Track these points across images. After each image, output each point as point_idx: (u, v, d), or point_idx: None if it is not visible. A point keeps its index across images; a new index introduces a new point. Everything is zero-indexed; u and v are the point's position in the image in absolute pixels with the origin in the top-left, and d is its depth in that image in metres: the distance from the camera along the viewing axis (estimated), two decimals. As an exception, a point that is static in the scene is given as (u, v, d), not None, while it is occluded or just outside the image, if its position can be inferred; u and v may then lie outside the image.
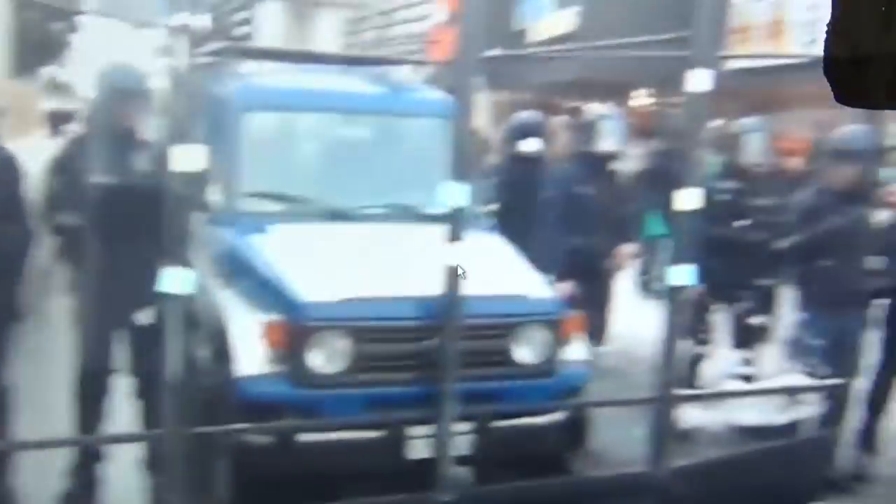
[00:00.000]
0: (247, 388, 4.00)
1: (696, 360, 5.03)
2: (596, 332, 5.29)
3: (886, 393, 5.30)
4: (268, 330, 4.03)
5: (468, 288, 3.67)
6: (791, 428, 4.70)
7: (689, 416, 4.39)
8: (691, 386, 4.60)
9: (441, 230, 3.64)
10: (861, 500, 5.07)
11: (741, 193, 5.32)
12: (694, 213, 4.14)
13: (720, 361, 4.84)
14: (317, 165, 5.37)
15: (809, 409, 4.65)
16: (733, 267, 5.10)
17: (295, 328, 4.01)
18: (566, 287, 5.32)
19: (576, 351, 4.47)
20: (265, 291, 4.23)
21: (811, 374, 4.70)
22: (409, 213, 4.96)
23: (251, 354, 4.03)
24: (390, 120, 5.47)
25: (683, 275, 4.19)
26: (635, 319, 8.23)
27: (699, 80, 4.04)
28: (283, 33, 26.08)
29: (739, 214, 5.27)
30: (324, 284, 4.11)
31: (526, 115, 6.49)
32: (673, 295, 4.18)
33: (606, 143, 5.64)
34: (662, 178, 9.74)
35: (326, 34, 26.82)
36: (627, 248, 5.91)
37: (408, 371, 4.07)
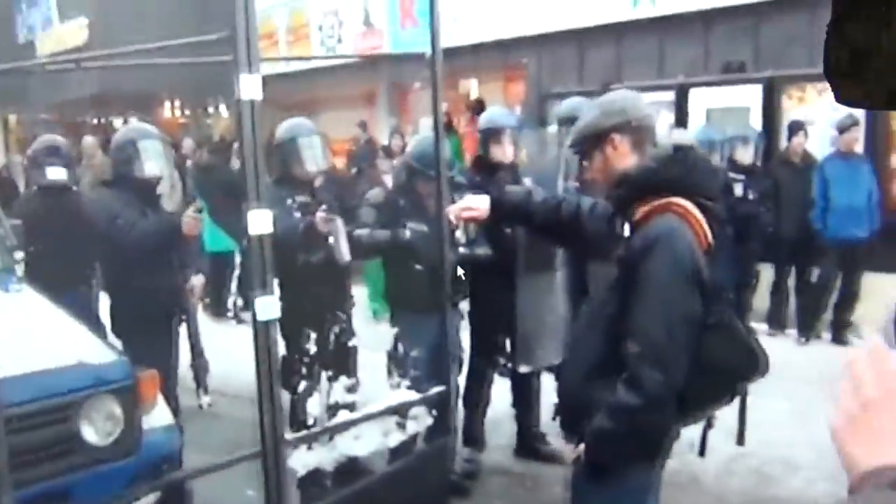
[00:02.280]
0: None
1: (303, 395, 4.56)
2: (170, 388, 4.51)
3: (481, 388, 5.28)
4: None
5: (4, 368, 2.85)
6: (406, 447, 4.43)
7: (304, 459, 3.89)
8: (302, 425, 4.10)
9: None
10: (482, 495, 5.01)
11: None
12: (268, 237, 3.66)
13: (323, 393, 4.38)
14: None
15: (419, 422, 4.40)
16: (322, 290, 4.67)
17: None
18: None
19: (157, 416, 3.75)
20: None
21: (414, 388, 4.45)
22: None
23: None
24: None
25: (270, 307, 3.69)
26: (220, 350, 7.66)
27: (249, 87, 3.60)
28: None
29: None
30: None
31: (47, 139, 5.52)
32: (262, 331, 3.66)
33: (150, 165, 4.78)
34: (216, 191, 9.25)
35: None
36: (197, 281, 5.13)
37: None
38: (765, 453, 5.44)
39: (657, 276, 2.51)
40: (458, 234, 4.37)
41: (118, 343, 4.23)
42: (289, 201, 4.57)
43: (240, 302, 9.95)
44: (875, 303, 7.89)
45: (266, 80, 3.59)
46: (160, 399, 3.83)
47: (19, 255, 4.46)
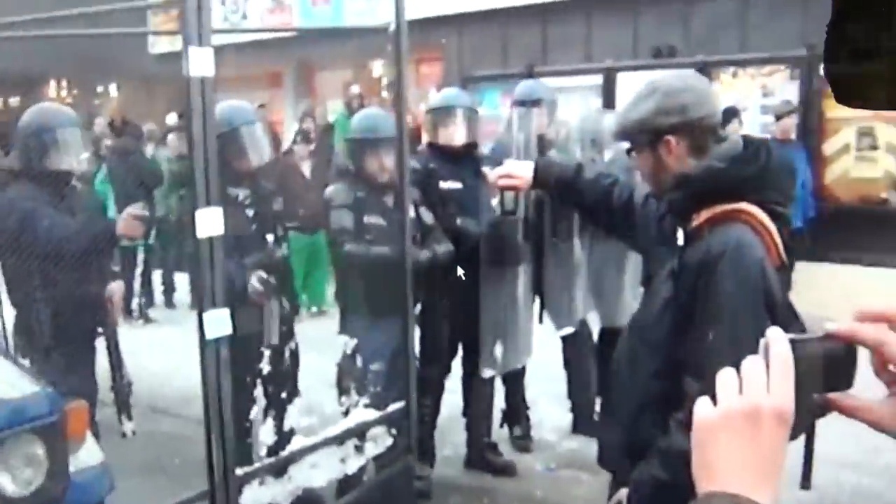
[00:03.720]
0: None
1: (255, 422, 4.01)
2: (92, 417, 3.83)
3: (432, 397, 4.83)
4: None
5: None
6: (364, 470, 3.96)
7: (256, 496, 3.36)
8: (248, 458, 3.56)
9: None
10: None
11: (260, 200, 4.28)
12: (219, 239, 3.14)
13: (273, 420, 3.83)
14: None
15: (378, 444, 3.93)
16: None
17: None
18: None
19: (86, 455, 3.17)
20: None
21: (373, 405, 3.97)
22: None
23: None
24: None
25: (220, 323, 3.16)
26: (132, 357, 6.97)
27: (200, 61, 3.11)
28: None
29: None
30: None
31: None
32: (211, 351, 3.13)
33: (66, 158, 4.05)
34: (128, 178, 8.48)
35: None
36: (117, 287, 4.43)
37: None
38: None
39: (723, 298, 2.09)
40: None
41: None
42: (239, 195, 4.02)
43: (145, 301, 9.26)
44: (811, 294, 7.80)
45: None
46: (88, 434, 3.24)
47: None
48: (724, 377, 0.99)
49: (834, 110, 8.00)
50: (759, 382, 0.96)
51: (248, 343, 3.72)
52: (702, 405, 0.99)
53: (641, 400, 2.27)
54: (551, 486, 4.96)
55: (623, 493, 2.33)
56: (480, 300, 4.67)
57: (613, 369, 2.44)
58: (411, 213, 4.16)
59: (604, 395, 5.81)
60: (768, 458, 0.95)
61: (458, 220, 4.62)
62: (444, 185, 4.72)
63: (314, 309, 8.59)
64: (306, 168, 8.57)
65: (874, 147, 7.97)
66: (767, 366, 0.97)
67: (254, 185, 4.19)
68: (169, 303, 9.78)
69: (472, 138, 4.88)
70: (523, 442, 5.45)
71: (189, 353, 5.67)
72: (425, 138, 5.15)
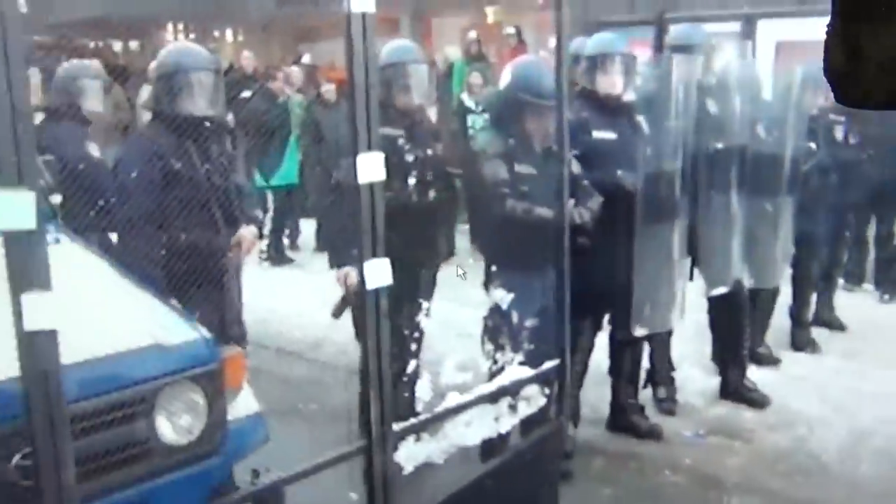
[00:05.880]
0: None
1: (412, 377, 3.87)
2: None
3: (581, 355, 4.60)
4: None
5: (69, 351, 2.21)
6: (520, 430, 3.80)
7: (412, 453, 3.21)
8: (410, 412, 3.43)
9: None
10: (584, 480, 4.39)
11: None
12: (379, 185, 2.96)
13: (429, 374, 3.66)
14: None
15: (532, 403, 3.73)
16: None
17: None
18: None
19: (243, 404, 3.05)
20: None
21: (527, 363, 3.77)
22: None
23: None
24: None
25: (381, 272, 2.99)
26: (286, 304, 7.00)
27: None
28: None
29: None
30: None
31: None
32: (371, 301, 2.97)
33: (199, 102, 3.90)
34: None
35: None
36: (248, 233, 4.16)
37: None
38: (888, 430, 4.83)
39: None
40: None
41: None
42: (399, 140, 3.84)
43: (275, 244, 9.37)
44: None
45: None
46: (245, 383, 3.12)
47: (56, 198, 3.70)
48: None
49: None
50: None
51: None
52: None
53: None
54: (702, 454, 4.69)
55: None
56: (635, 257, 4.40)
57: None
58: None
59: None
60: None
61: (618, 173, 4.33)
62: (598, 134, 4.44)
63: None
64: (432, 114, 8.36)
65: None
66: None
67: (411, 127, 4.01)
68: (293, 246, 9.84)
69: (629, 86, 4.57)
70: (668, 405, 5.20)
71: (315, 296, 5.62)
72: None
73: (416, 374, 3.95)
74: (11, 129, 2.06)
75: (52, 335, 2.16)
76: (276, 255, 9.31)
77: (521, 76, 4.24)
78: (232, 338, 3.97)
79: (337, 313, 4.40)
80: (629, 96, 4.63)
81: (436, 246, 4.39)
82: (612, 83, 4.49)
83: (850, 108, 1.00)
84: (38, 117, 4.58)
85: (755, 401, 5.21)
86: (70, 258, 2.92)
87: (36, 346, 2.16)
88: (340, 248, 4.22)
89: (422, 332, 4.20)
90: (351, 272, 4.22)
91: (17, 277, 2.11)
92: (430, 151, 4.25)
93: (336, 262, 4.26)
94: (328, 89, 9.59)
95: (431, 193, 4.18)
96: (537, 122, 4.07)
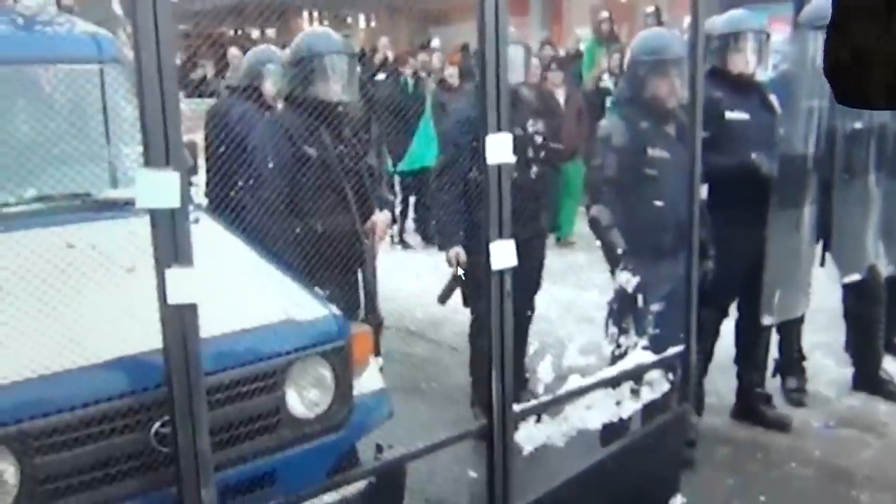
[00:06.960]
0: None
1: (534, 358, 3.90)
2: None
3: (707, 342, 4.51)
4: None
5: (207, 324, 2.31)
6: (642, 416, 3.78)
7: (532, 434, 3.23)
8: (528, 394, 3.45)
9: (136, 228, 2.29)
10: (709, 468, 4.32)
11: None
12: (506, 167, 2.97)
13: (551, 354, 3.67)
14: None
15: (655, 388, 3.70)
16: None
17: None
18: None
19: (368, 380, 3.13)
20: None
21: (651, 348, 3.73)
22: (81, 204, 3.25)
23: None
24: (20, 69, 3.49)
25: (507, 253, 3.00)
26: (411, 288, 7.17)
27: None
28: None
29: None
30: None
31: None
32: (496, 282, 2.99)
33: (333, 87, 3.99)
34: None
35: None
36: (382, 218, 4.26)
37: (126, 481, 2.50)
38: None
39: None
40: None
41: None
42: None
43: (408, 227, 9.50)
44: None
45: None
46: (371, 360, 3.20)
47: (195, 178, 3.86)
48: None
49: None
50: None
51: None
52: None
53: None
54: (832, 447, 4.54)
55: None
56: (766, 242, 4.28)
57: None
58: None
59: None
60: None
61: (753, 155, 4.21)
62: (730, 115, 4.32)
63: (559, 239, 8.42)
64: (560, 95, 8.33)
65: None
66: None
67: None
68: (420, 229, 9.97)
69: (763, 65, 4.43)
70: (798, 395, 5.04)
71: (438, 278, 5.71)
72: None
73: (533, 356, 3.98)
74: (161, 112, 2.17)
75: (192, 309, 2.27)
76: (403, 239, 9.47)
77: (639, 43, 4.21)
78: (369, 325, 4.07)
79: (443, 299, 4.49)
80: (762, 75, 4.49)
81: (538, 221, 4.43)
82: (744, 62, 4.36)
83: (851, 107, 1.00)
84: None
85: (890, 393, 5.01)
86: (210, 237, 3.06)
87: (178, 319, 2.27)
88: (450, 229, 4.35)
89: (533, 310, 4.24)
90: (461, 252, 4.32)
91: (162, 253, 2.22)
92: (530, 129, 4.29)
93: (446, 244, 4.39)
94: (451, 73, 9.62)
95: (534, 168, 4.23)
96: (664, 82, 3.99)
